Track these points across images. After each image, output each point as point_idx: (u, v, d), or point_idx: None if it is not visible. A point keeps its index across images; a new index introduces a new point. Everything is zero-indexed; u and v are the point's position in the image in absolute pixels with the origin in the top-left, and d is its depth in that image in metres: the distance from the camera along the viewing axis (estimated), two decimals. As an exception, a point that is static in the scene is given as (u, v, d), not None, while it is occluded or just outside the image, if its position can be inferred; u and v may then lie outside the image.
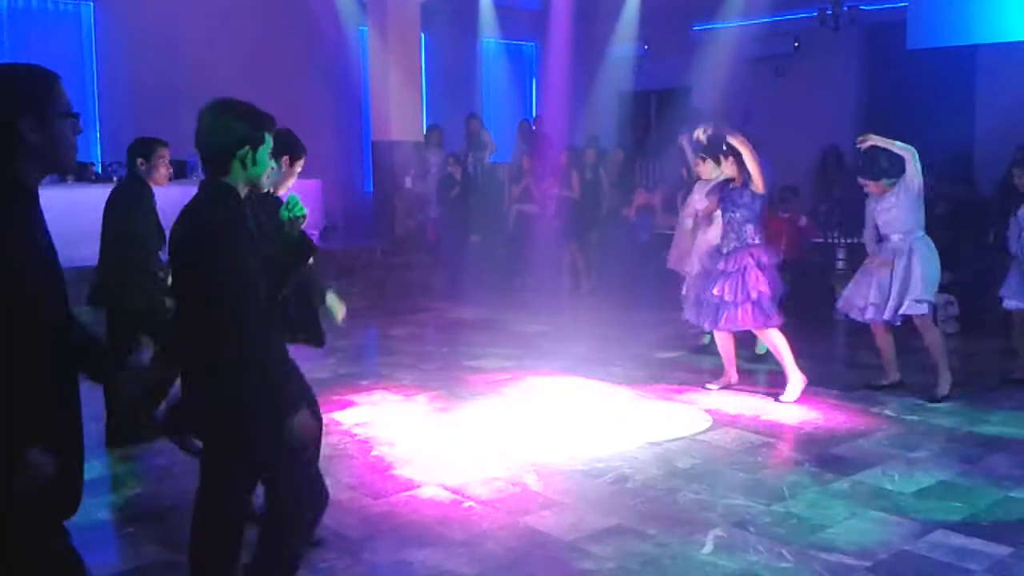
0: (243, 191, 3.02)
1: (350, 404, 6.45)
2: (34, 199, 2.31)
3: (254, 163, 3.01)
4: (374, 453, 5.55)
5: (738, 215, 6.49)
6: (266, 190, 3.91)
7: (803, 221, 9.48)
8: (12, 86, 2.28)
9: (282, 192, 4.10)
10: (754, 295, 6.39)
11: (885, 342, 6.74)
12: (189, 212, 2.98)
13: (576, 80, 13.68)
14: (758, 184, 6.36)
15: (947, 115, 10.61)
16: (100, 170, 10.65)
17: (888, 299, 6.40)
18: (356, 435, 5.80)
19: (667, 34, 13.77)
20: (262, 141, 3.02)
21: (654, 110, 14.77)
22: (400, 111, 12.10)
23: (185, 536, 3.17)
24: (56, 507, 2.29)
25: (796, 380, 6.53)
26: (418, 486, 5.01)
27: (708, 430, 5.97)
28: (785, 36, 12.92)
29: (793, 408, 6.40)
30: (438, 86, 13.82)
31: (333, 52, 12.69)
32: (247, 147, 2.98)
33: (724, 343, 6.78)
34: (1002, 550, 4.16)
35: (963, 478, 5.09)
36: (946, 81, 10.84)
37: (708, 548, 4.22)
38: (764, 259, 6.46)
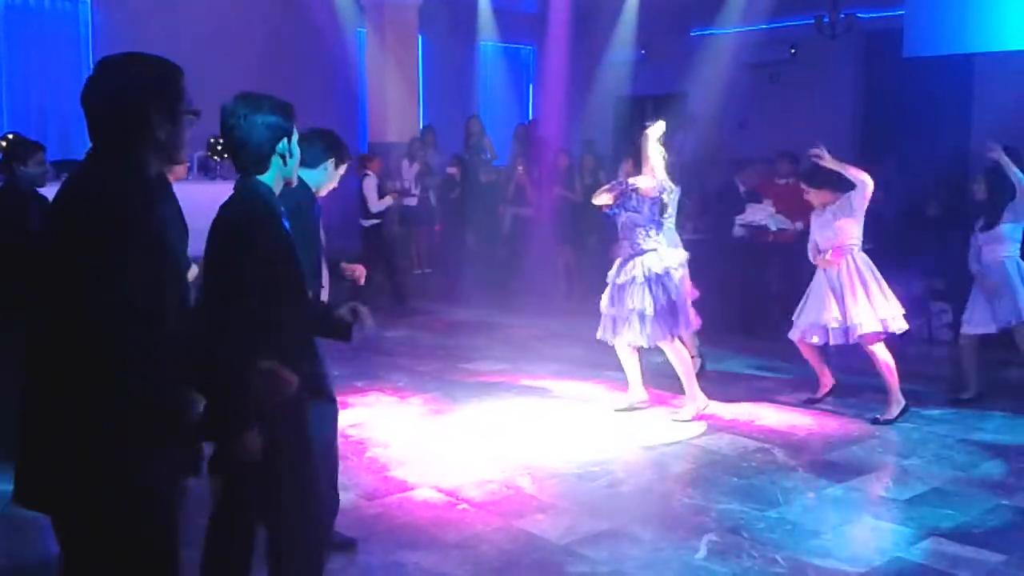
0: (278, 188, 2.92)
1: (344, 405, 6.36)
2: (153, 187, 2.34)
3: (291, 155, 2.90)
4: (368, 455, 5.55)
5: (625, 218, 6.19)
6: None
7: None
8: (147, 77, 2.29)
9: (323, 194, 3.99)
10: (638, 310, 6.05)
11: (811, 352, 6.52)
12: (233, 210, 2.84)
13: (573, 84, 13.66)
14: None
15: (943, 123, 10.61)
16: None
17: (844, 321, 6.10)
18: (350, 436, 5.79)
19: (665, 39, 13.77)
20: (293, 131, 2.92)
21: (650, 115, 14.74)
22: (397, 113, 12.09)
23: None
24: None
25: (695, 400, 6.22)
26: (412, 488, 5.01)
27: (702, 435, 5.98)
28: (782, 43, 12.92)
29: (787, 414, 6.41)
30: (435, 88, 13.81)
31: (331, 53, 12.66)
32: (284, 139, 2.87)
33: (625, 358, 6.40)
34: (995, 557, 4.18)
35: (956, 485, 5.10)
36: (942, 89, 10.83)
37: (702, 553, 4.23)
38: (654, 269, 6.07)
